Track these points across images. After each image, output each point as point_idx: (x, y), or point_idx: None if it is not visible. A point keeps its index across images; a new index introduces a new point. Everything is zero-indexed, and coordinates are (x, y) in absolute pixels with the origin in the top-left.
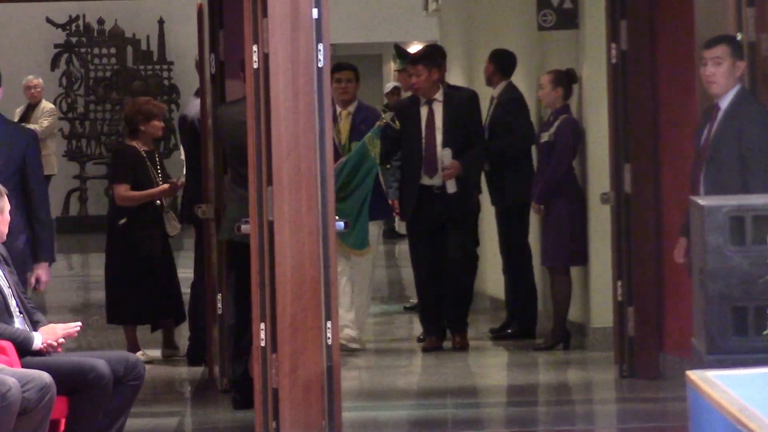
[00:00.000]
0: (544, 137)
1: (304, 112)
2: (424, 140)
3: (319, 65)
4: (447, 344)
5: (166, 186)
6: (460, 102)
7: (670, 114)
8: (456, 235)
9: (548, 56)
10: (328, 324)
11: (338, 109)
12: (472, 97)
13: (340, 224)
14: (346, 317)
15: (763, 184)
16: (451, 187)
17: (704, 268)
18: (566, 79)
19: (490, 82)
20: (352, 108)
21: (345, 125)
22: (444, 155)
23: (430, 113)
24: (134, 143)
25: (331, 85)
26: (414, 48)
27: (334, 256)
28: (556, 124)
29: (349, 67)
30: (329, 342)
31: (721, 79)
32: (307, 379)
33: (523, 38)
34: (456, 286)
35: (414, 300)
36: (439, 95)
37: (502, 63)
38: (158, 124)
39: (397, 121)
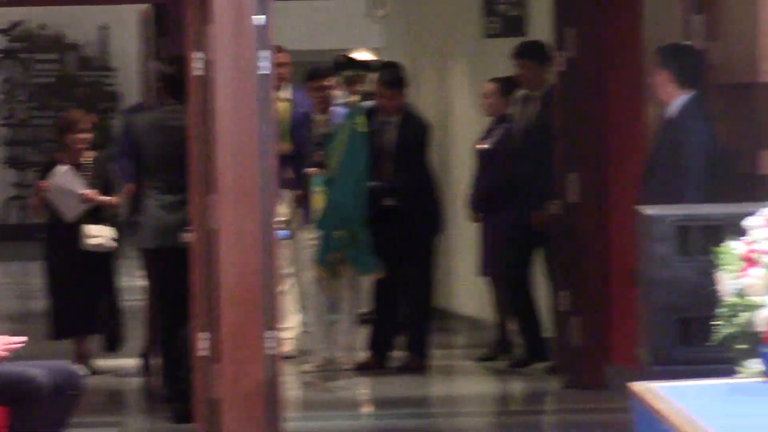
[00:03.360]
0: (485, 145)
1: (247, 119)
2: (383, 160)
3: (263, 72)
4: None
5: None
6: (413, 130)
7: (617, 122)
8: (412, 255)
9: (494, 64)
10: (270, 333)
11: (315, 114)
12: (425, 128)
13: (284, 233)
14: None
15: (697, 197)
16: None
17: (650, 278)
18: (511, 88)
19: None
20: (329, 114)
21: (324, 129)
22: None
23: (386, 135)
24: (60, 156)
25: (310, 92)
26: (358, 55)
27: (277, 265)
28: (497, 132)
29: (325, 74)
30: (271, 352)
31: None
32: (249, 389)
33: (468, 45)
34: (412, 305)
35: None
36: (397, 119)
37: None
38: (81, 136)
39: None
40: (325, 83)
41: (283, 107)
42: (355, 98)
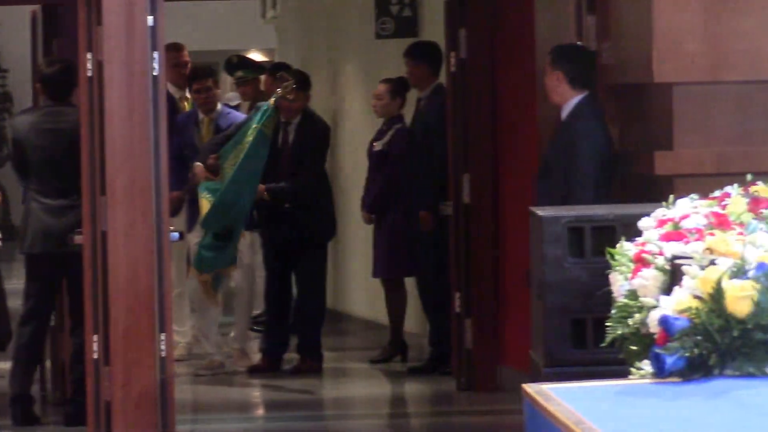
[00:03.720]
0: (377, 146)
1: (138, 121)
2: (278, 166)
3: (154, 73)
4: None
5: None
6: (312, 131)
7: (510, 123)
8: (305, 258)
9: (386, 65)
10: (162, 336)
11: (200, 115)
12: (323, 129)
13: (175, 234)
14: (207, 343)
15: (591, 198)
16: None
17: (543, 280)
18: (403, 88)
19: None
20: (215, 114)
21: (208, 132)
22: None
23: (285, 135)
24: None
25: (191, 93)
26: (251, 56)
27: (169, 268)
28: (389, 133)
29: (206, 75)
30: (163, 354)
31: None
32: (141, 392)
33: (361, 46)
34: (306, 308)
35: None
36: (296, 120)
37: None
38: None
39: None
40: (207, 84)
41: (188, 107)
42: (272, 102)
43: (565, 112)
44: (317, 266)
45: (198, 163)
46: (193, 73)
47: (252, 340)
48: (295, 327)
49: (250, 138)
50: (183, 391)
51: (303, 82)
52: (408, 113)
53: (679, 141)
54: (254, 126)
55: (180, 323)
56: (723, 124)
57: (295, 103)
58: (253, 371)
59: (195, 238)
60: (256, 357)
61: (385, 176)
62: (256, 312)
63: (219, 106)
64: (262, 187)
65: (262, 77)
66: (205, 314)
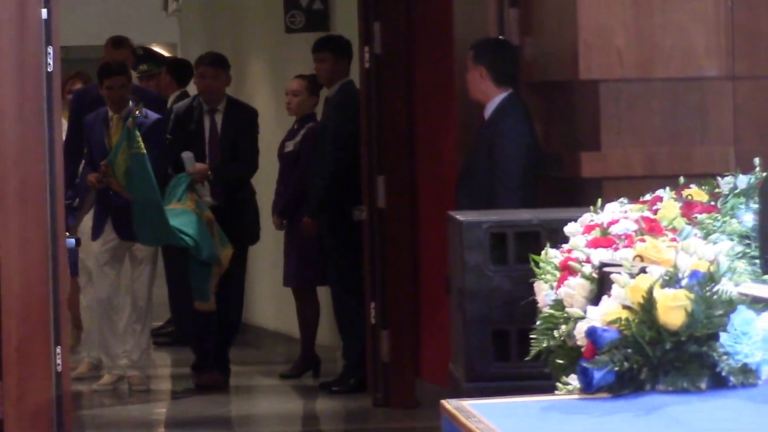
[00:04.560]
0: (289, 146)
1: (31, 120)
2: (207, 156)
3: (49, 69)
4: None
5: None
6: (241, 117)
7: (427, 122)
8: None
9: (296, 60)
10: (58, 349)
11: (110, 113)
12: (252, 115)
13: (71, 241)
14: (128, 356)
15: (514, 202)
16: (207, 198)
17: (463, 289)
18: (318, 86)
19: (165, 93)
20: (124, 113)
21: (117, 130)
22: (186, 159)
23: (213, 124)
24: None
25: (102, 91)
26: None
27: (65, 276)
28: (302, 132)
29: (120, 71)
30: (59, 369)
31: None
32: (36, 408)
33: (269, 41)
34: (220, 315)
35: (160, 322)
36: (222, 106)
37: (178, 72)
38: None
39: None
40: (122, 81)
41: None
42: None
43: (488, 111)
44: (239, 271)
45: (95, 174)
46: (105, 68)
47: (150, 354)
48: (195, 336)
49: (125, 156)
50: (81, 406)
51: (221, 62)
52: (318, 112)
53: (606, 141)
54: (125, 145)
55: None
56: (653, 124)
57: (216, 82)
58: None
59: (99, 246)
60: (160, 372)
61: (297, 179)
62: (157, 324)
63: (130, 103)
64: (203, 166)
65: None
66: (103, 326)
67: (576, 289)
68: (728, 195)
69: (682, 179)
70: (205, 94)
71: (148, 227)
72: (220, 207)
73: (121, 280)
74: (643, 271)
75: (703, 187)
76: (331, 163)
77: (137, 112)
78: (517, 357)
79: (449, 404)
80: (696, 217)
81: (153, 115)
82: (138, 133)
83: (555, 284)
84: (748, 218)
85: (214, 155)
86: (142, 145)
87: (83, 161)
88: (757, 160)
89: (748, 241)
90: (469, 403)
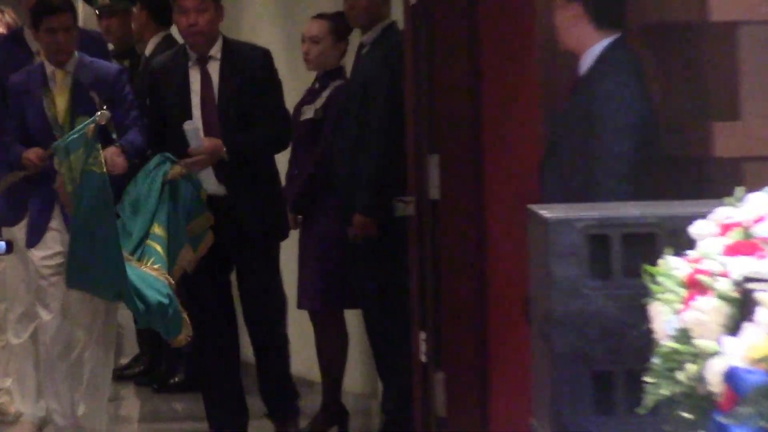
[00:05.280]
0: (307, 112)
1: None
2: (202, 119)
3: None
4: None
5: None
6: (247, 62)
7: (497, 81)
8: (251, 271)
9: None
10: None
11: (49, 68)
12: (263, 57)
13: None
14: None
15: (622, 191)
16: (212, 186)
17: (549, 314)
18: (345, 28)
19: (141, 37)
20: (71, 66)
21: (62, 92)
22: (190, 133)
23: (206, 77)
24: None
25: (36, 35)
26: None
27: None
28: (325, 93)
29: (64, 7)
30: None
31: None
32: None
33: None
34: (260, 349)
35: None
36: (216, 51)
37: (158, 7)
38: None
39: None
40: (65, 22)
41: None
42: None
43: (585, 64)
44: (270, 277)
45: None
46: (42, 5)
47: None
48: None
49: (74, 176)
50: None
51: None
52: (348, 65)
53: (748, 107)
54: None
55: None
56: None
57: (204, 15)
58: None
59: (40, 256)
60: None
61: (319, 158)
62: (125, 362)
63: (76, 53)
64: (215, 141)
65: (135, 10)
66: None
67: (708, 313)
68: None
69: None
70: (190, 36)
71: (92, 272)
72: (228, 197)
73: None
74: None
75: None
76: (386, 136)
77: (100, 121)
78: (626, 409)
79: None
80: None
81: (107, 67)
82: (99, 147)
83: (679, 307)
84: None
85: (210, 122)
86: (103, 162)
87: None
88: None
89: None
90: None
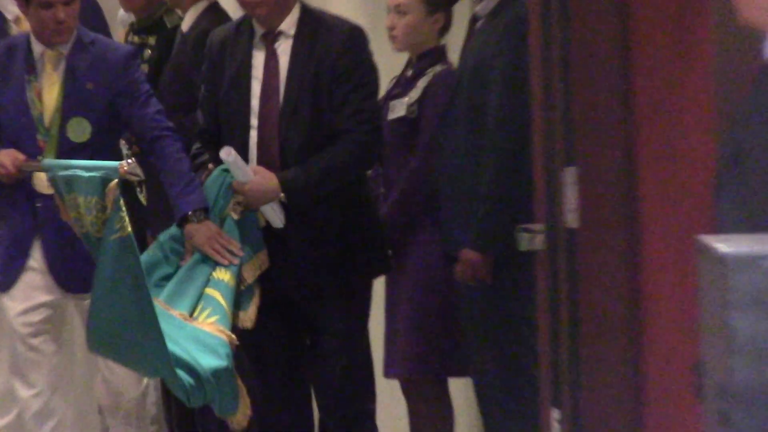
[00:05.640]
0: (398, 109)
1: None
2: (257, 125)
3: None
4: None
5: None
6: (329, 43)
7: (656, 73)
8: (330, 320)
9: None
10: None
11: (37, 48)
12: (351, 36)
13: None
14: None
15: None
16: (278, 221)
17: (728, 386)
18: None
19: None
20: (66, 47)
21: (52, 82)
22: (230, 165)
23: (271, 61)
24: None
25: (27, 12)
26: None
27: None
28: (421, 83)
29: None
30: None
31: None
32: None
33: None
34: (338, 412)
35: None
36: (289, 26)
37: None
38: None
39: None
40: None
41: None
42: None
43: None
44: (355, 327)
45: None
46: None
47: None
48: None
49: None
50: None
51: None
52: (454, 49)
53: None
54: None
55: None
56: None
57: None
58: None
59: (17, 306)
60: None
61: (415, 170)
62: None
63: (75, 32)
64: (261, 180)
65: None
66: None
67: None
68: None
69: None
70: (249, 5)
71: (121, 344)
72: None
73: (75, 368)
74: None
75: None
76: (506, 141)
77: (125, 174)
78: None
79: None
80: None
81: (113, 49)
82: (124, 210)
83: None
84: None
85: (267, 123)
86: (128, 224)
87: None
88: None
89: None
90: None
